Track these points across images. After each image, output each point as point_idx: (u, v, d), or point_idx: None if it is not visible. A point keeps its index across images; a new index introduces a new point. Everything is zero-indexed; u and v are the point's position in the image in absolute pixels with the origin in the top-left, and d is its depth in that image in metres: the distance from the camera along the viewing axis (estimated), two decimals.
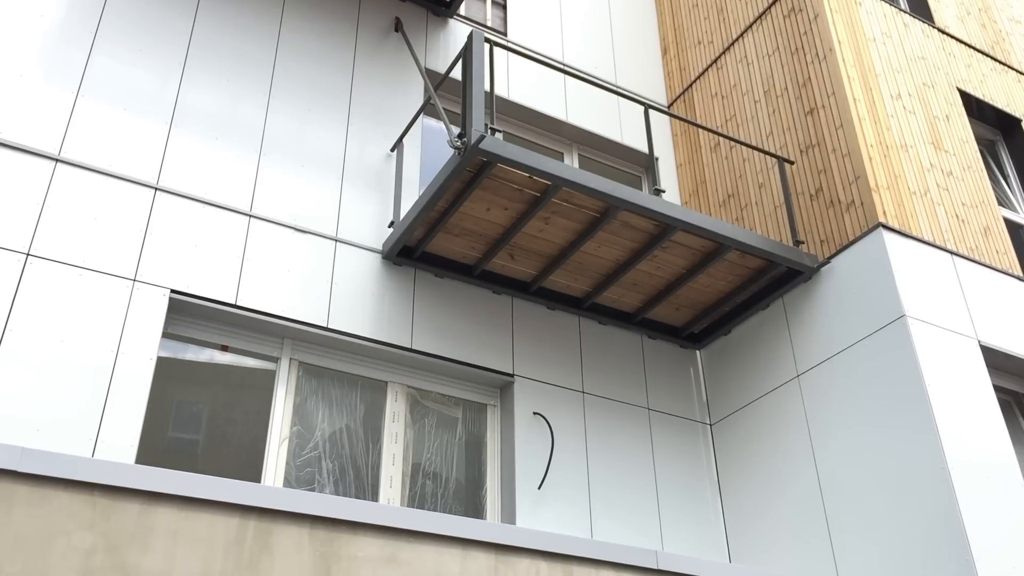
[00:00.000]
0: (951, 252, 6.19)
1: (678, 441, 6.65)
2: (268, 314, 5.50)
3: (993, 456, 5.36)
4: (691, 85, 8.27)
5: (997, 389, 6.06)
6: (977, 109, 7.61)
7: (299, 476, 5.36)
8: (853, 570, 5.42)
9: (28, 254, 4.89)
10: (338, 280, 5.85)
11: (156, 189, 5.48)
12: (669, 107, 8.47)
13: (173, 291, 5.24)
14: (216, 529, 3.14)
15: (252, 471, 5.24)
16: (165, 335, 5.32)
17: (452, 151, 5.54)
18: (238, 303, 5.41)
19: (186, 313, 5.39)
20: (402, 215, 6.22)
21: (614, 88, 6.43)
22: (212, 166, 5.75)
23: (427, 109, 7.07)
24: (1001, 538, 5.02)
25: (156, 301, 5.14)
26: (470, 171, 5.51)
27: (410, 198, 6.44)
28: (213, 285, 5.38)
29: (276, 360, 5.64)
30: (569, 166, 5.60)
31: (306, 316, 5.60)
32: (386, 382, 5.96)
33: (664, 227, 5.93)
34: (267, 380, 5.57)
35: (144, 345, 4.99)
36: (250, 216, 5.73)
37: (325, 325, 5.65)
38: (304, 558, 3.27)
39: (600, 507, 6.02)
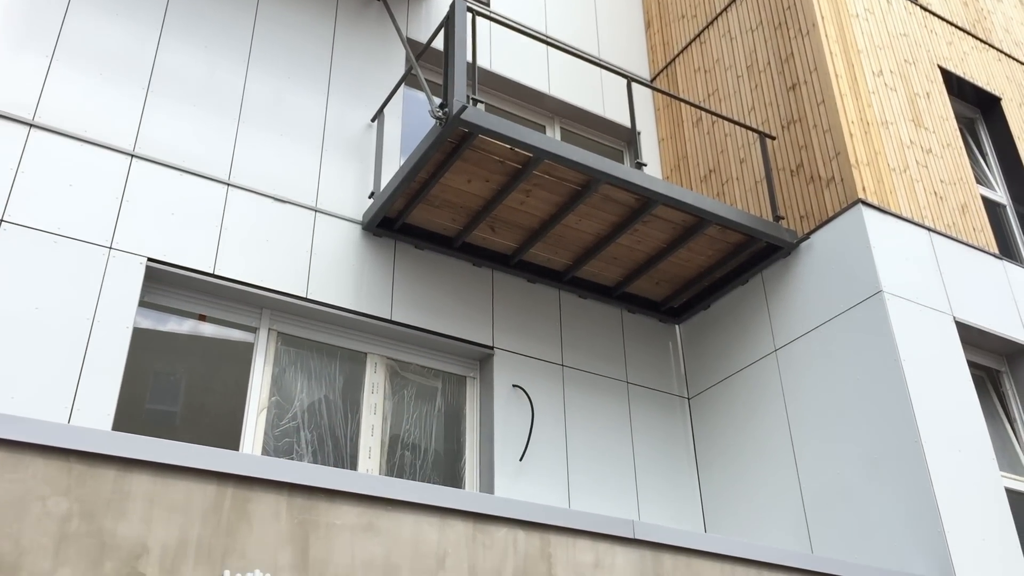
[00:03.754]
0: (929, 229, 6.24)
1: (656, 414, 6.70)
2: (246, 284, 5.45)
3: (966, 431, 5.44)
4: (674, 59, 8.24)
5: (971, 365, 6.14)
6: (958, 87, 7.64)
7: (277, 446, 5.35)
8: (826, 541, 5.50)
9: (2, 220, 4.81)
10: (317, 250, 5.81)
11: (132, 156, 5.40)
12: (652, 81, 8.44)
13: (150, 259, 5.19)
14: (193, 496, 3.14)
15: (230, 441, 5.22)
16: (142, 304, 5.27)
17: (433, 122, 5.50)
18: (216, 272, 5.37)
19: (163, 282, 5.34)
20: (382, 186, 6.18)
21: (597, 61, 6.40)
22: (190, 133, 5.67)
23: (408, 79, 7.00)
24: (972, 512, 5.11)
25: (132, 269, 5.09)
26: (451, 142, 5.48)
27: (391, 169, 6.39)
28: (191, 254, 5.33)
29: (254, 330, 5.61)
30: (551, 138, 5.57)
31: (285, 286, 5.57)
32: (365, 353, 5.95)
33: (645, 201, 5.93)
34: (245, 351, 5.54)
35: (120, 313, 4.94)
36: (228, 185, 5.67)
37: (304, 295, 5.61)
38: (282, 525, 3.27)
39: (578, 479, 6.06)
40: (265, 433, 5.34)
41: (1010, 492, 5.70)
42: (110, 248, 5.08)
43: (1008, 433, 6.11)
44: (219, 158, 5.71)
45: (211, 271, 5.35)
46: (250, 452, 5.21)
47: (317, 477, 3.36)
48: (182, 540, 3.05)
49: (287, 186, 5.89)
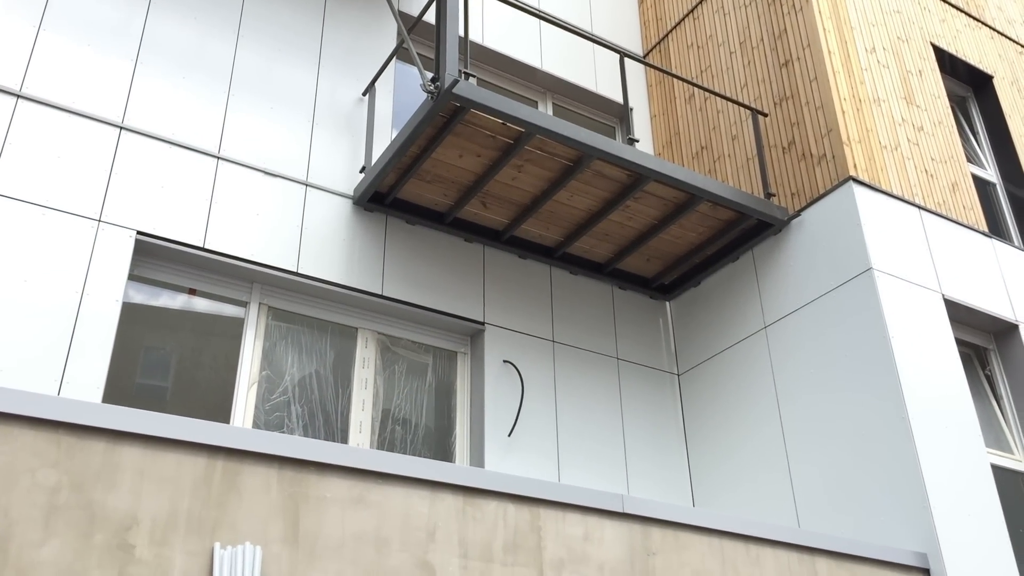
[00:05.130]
0: (919, 207, 6.25)
1: (646, 390, 6.73)
2: (236, 258, 5.43)
3: (952, 407, 5.49)
4: (667, 35, 8.19)
5: (959, 342, 6.18)
6: (950, 65, 7.63)
7: (268, 420, 5.36)
8: (813, 517, 5.56)
9: None
10: (308, 225, 5.79)
11: (121, 128, 5.35)
12: (645, 56, 8.40)
13: (139, 233, 5.16)
14: (183, 468, 3.14)
15: (221, 415, 5.23)
16: (131, 277, 5.25)
17: (425, 96, 5.46)
18: (206, 246, 5.34)
19: (153, 255, 5.32)
20: (374, 160, 6.15)
21: (590, 36, 6.36)
22: (179, 105, 5.62)
23: (400, 53, 6.94)
24: (958, 487, 5.17)
25: (122, 242, 5.06)
26: (443, 116, 5.45)
27: (382, 143, 6.36)
28: (180, 227, 5.30)
29: (245, 305, 5.60)
30: (543, 113, 5.54)
31: (275, 260, 5.55)
32: (356, 328, 5.95)
33: (637, 177, 5.92)
34: (236, 325, 5.53)
35: (110, 287, 4.92)
36: (218, 158, 5.63)
37: (295, 270, 5.60)
38: (272, 497, 3.28)
39: (568, 455, 6.10)
40: (256, 407, 5.34)
41: (995, 468, 5.76)
42: (99, 221, 5.04)
43: (994, 410, 6.17)
44: (209, 131, 5.66)
45: (201, 245, 5.33)
46: (241, 425, 5.21)
47: (307, 450, 3.37)
48: (172, 512, 3.06)
49: (277, 160, 5.86)
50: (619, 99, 7.92)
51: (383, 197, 6.06)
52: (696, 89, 7.53)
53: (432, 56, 7.05)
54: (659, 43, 8.28)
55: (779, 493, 5.82)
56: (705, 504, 6.38)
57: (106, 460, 3.03)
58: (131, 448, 3.09)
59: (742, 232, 6.53)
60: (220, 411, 5.24)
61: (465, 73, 5.40)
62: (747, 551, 4.30)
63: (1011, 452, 5.99)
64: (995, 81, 7.76)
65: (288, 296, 5.74)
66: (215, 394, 5.29)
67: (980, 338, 6.33)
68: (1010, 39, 8.29)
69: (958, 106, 7.75)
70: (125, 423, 3.08)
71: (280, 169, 5.84)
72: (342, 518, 3.37)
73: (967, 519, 5.09)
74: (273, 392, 5.46)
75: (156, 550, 2.97)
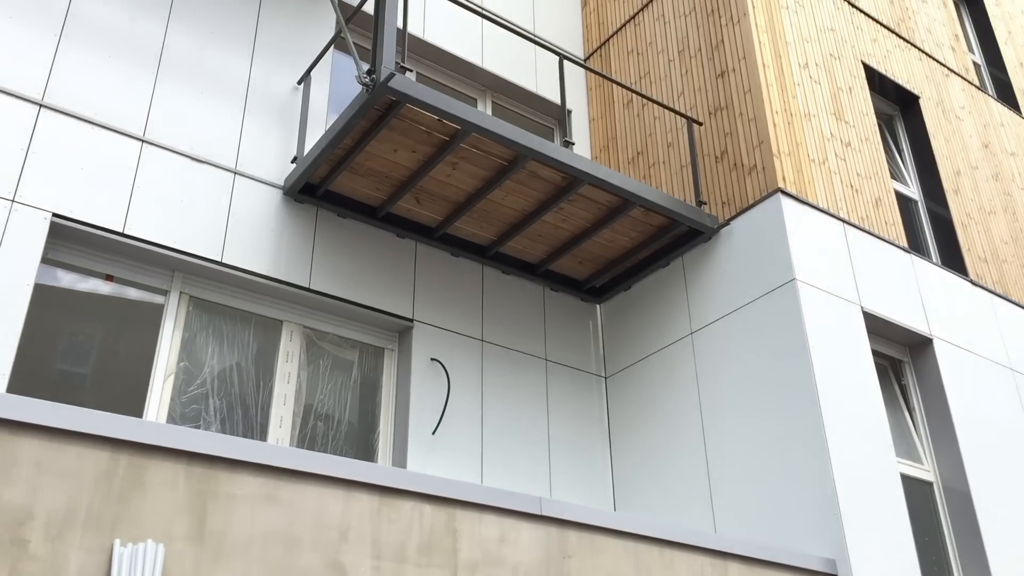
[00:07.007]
0: (843, 220, 6.41)
1: (573, 392, 6.76)
2: (158, 245, 5.28)
3: (867, 417, 5.64)
4: (608, 40, 8.24)
5: (875, 354, 6.36)
6: (879, 83, 7.84)
7: (184, 413, 5.22)
8: (730, 521, 5.65)
9: None
10: (235, 214, 5.66)
11: (40, 106, 5.15)
12: (586, 60, 8.43)
13: (55, 215, 4.97)
14: (85, 462, 3.03)
15: (135, 406, 5.08)
16: (45, 261, 5.05)
17: (361, 88, 5.38)
18: (126, 231, 5.18)
19: (69, 239, 5.13)
20: (306, 151, 6.04)
21: (531, 36, 6.35)
22: (104, 85, 5.43)
23: (337, 43, 6.84)
24: (868, 496, 5.31)
25: (36, 224, 4.87)
26: (378, 110, 5.38)
27: (315, 134, 6.25)
28: (99, 211, 5.13)
29: (165, 293, 5.44)
30: (479, 111, 5.52)
31: (199, 249, 5.41)
32: (281, 321, 5.84)
33: (572, 179, 5.94)
34: (154, 314, 5.37)
35: (21, 270, 4.73)
36: (143, 141, 5.46)
37: (219, 259, 5.47)
38: (179, 495, 3.19)
39: (492, 455, 6.09)
40: (172, 399, 5.20)
41: (905, 478, 5.94)
42: (12, 201, 4.85)
43: (907, 421, 6.36)
44: (134, 113, 5.49)
45: (121, 230, 5.16)
46: (155, 418, 5.07)
47: (218, 446, 3.29)
48: (71, 507, 2.95)
49: (206, 146, 5.71)
50: (558, 101, 7.93)
51: (314, 189, 5.96)
52: (634, 95, 7.60)
53: (370, 48, 6.96)
54: (600, 47, 8.33)
55: (698, 498, 5.90)
56: (626, 508, 6.44)
57: (2, 452, 2.91)
58: (30, 440, 2.97)
59: (673, 238, 6.60)
60: (134, 402, 5.08)
61: (402, 67, 5.34)
62: (661, 555, 4.34)
63: (920, 462, 6.19)
64: (921, 101, 8.00)
65: (211, 286, 5.60)
66: (129, 384, 5.13)
67: (896, 351, 6.52)
68: (938, 61, 8.56)
69: (885, 124, 7.97)
70: (24, 414, 2.96)
71: (208, 155, 5.70)
72: (251, 516, 3.30)
73: (875, 527, 5.24)
74: (191, 384, 5.32)
75: (51, 546, 2.86)
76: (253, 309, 5.72)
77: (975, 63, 9.68)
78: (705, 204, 6.60)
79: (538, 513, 4.05)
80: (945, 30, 9.04)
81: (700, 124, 6.88)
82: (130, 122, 5.45)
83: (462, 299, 6.49)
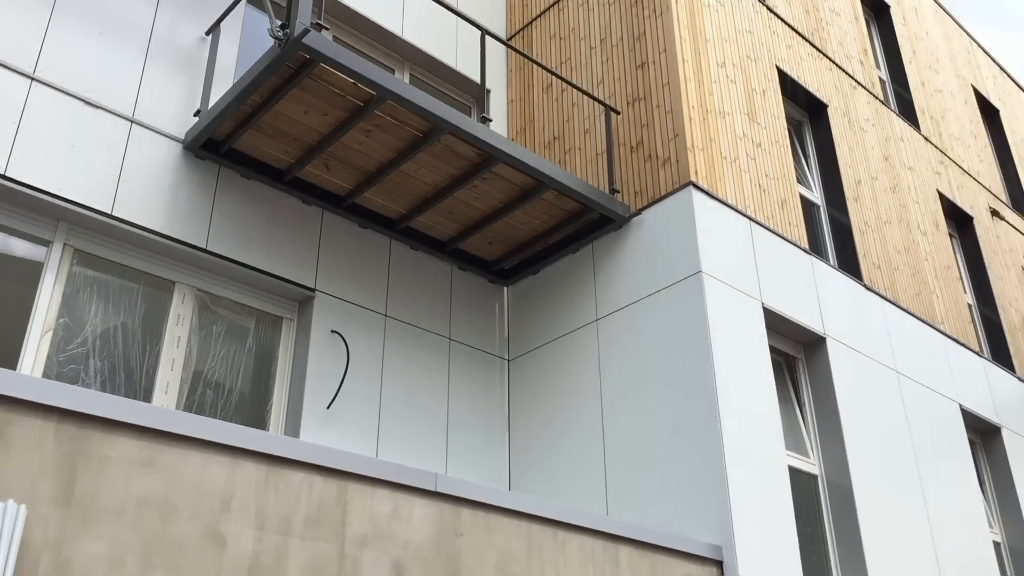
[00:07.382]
0: (750, 218, 6.53)
1: (475, 373, 6.69)
2: (41, 191, 4.93)
3: (760, 410, 5.76)
4: (532, 22, 8.17)
5: (772, 349, 6.51)
6: (791, 89, 8.03)
7: (61, 372, 4.90)
8: (622, 505, 5.69)
9: None
10: (130, 165, 5.34)
11: None
12: (508, 40, 8.34)
13: None
14: None
15: (6, 362, 4.73)
16: None
17: (273, 43, 5.14)
18: (7, 174, 4.81)
19: None
20: (211, 105, 5.75)
21: (454, 9, 6.21)
22: None
23: None
24: (757, 486, 5.43)
25: None
26: (290, 67, 5.15)
27: (222, 89, 5.96)
28: None
29: (47, 244, 5.09)
30: (396, 79, 5.36)
31: (87, 199, 5.08)
32: (173, 282, 5.55)
33: (487, 157, 5.84)
34: (34, 265, 5.02)
35: None
36: (32, 79, 5.09)
37: (109, 212, 5.15)
38: (46, 454, 2.96)
39: (388, 431, 5.96)
40: (48, 357, 4.87)
41: (792, 470, 6.11)
42: None
43: (797, 416, 6.54)
44: (24, 47, 5.10)
45: (2, 172, 4.79)
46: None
47: (93, 404, 3.07)
48: None
49: (101, 90, 5.36)
50: (477, 79, 7.82)
51: (218, 145, 5.69)
52: (554, 79, 7.55)
53: (284, 3, 6.69)
54: (523, 29, 8.25)
55: (593, 482, 5.92)
56: (522, 489, 6.41)
57: None
58: None
59: (584, 224, 6.59)
60: (7, 358, 4.74)
61: (319, 24, 5.13)
62: (554, 536, 4.32)
63: (807, 456, 6.38)
64: (829, 110, 8.23)
65: (99, 240, 5.27)
66: (1, 339, 4.78)
67: (791, 347, 6.69)
68: (847, 73, 8.83)
69: (794, 129, 8.18)
70: None
71: (103, 100, 5.35)
72: (126, 480, 3.09)
73: (762, 516, 5.36)
74: (70, 342, 5.00)
75: None
76: (143, 267, 5.42)
77: (881, 78, 10.04)
78: (618, 192, 6.61)
79: (432, 489, 3.96)
80: (855, 44, 9.34)
81: (618, 113, 6.89)
82: (19, 57, 5.06)
83: (367, 272, 6.32)
